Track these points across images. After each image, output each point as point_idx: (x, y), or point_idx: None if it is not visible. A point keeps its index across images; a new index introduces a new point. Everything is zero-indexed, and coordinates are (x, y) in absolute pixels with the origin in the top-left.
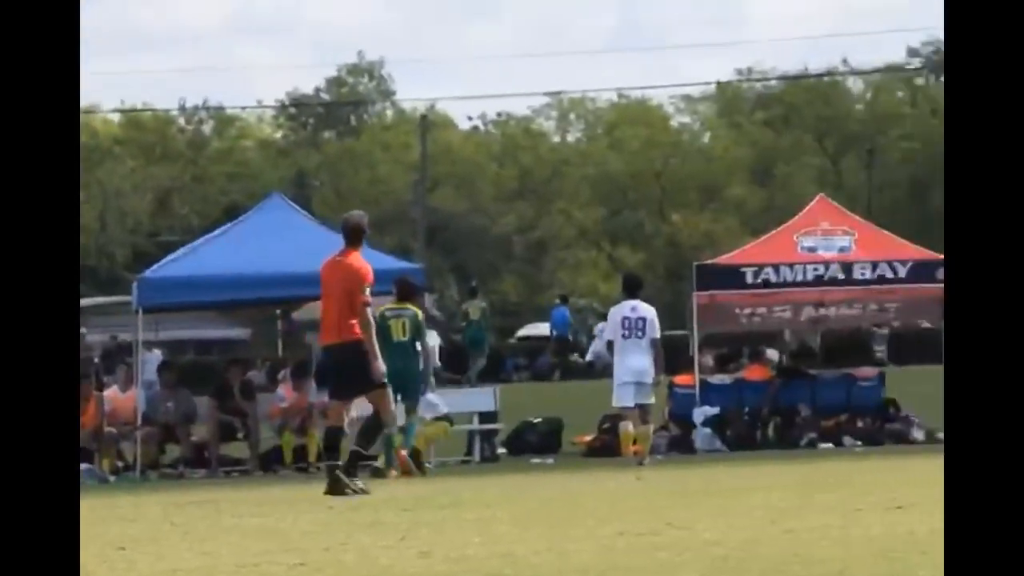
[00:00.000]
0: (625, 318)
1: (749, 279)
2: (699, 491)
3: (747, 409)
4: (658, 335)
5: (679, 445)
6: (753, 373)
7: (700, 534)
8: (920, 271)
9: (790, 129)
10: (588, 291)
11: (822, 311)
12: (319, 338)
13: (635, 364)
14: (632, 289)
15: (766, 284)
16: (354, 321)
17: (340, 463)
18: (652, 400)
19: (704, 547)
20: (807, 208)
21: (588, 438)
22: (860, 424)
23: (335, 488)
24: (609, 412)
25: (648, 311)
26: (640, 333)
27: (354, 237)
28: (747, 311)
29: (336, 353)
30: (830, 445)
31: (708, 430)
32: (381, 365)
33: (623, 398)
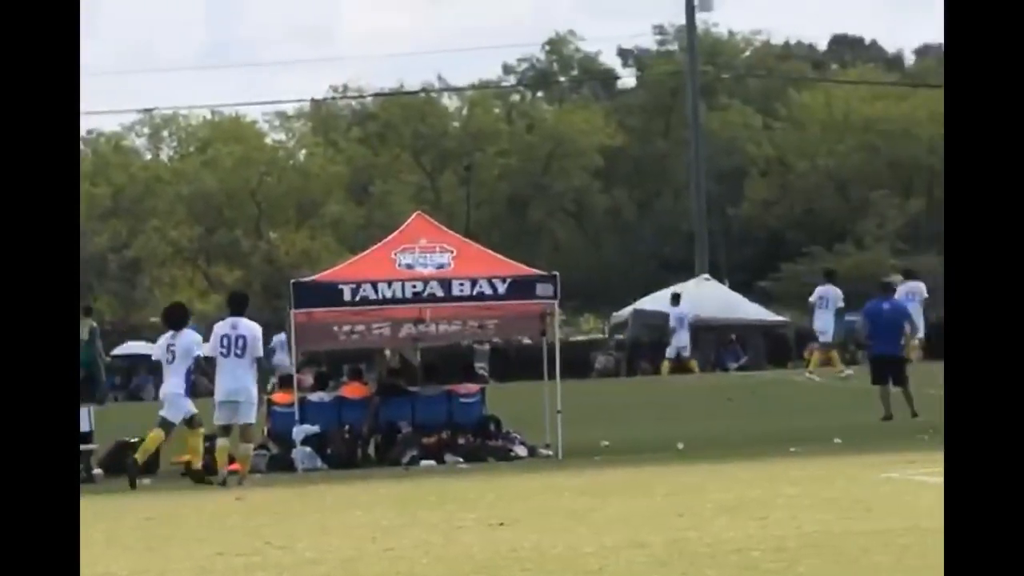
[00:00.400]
0: (224, 336)
1: (347, 296)
2: (300, 510)
3: (347, 427)
4: (260, 354)
5: (279, 464)
6: (353, 391)
7: (301, 553)
8: (519, 287)
9: (387, 146)
10: None
11: (422, 328)
12: None
13: (235, 383)
14: (236, 307)
15: (364, 301)
16: None
17: None
18: (252, 419)
19: (304, 566)
20: (405, 225)
21: (187, 457)
22: (462, 441)
23: None
24: (209, 432)
25: (250, 329)
26: (240, 351)
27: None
28: (346, 328)
29: None
30: (432, 462)
31: (308, 448)
32: None
33: (221, 416)
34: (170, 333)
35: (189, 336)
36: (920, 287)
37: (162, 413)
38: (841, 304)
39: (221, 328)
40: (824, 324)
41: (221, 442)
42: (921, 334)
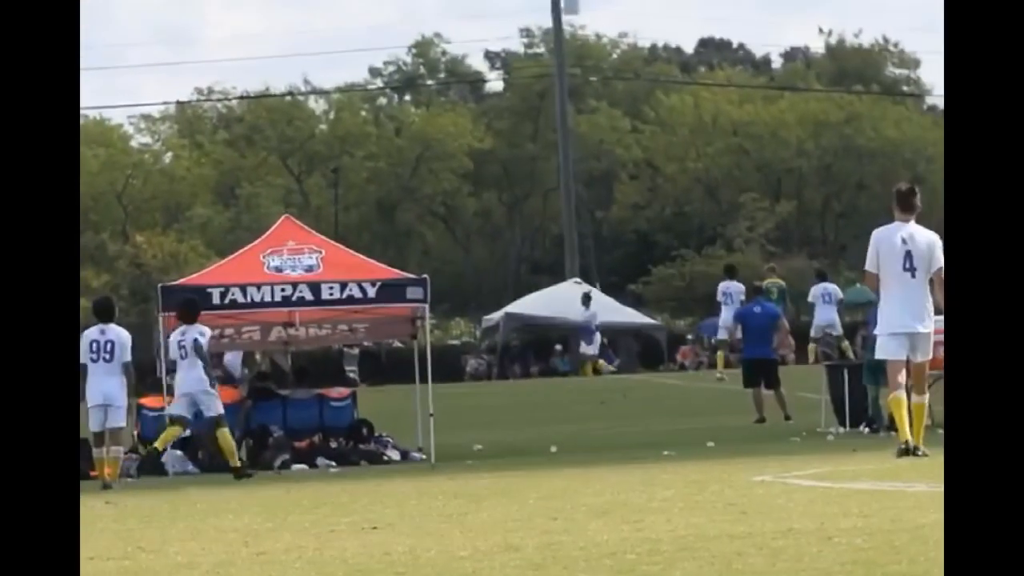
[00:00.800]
0: (94, 341)
1: (216, 300)
2: (170, 514)
3: None
4: (129, 358)
5: (149, 467)
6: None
7: (172, 557)
8: (389, 291)
9: (254, 149)
10: None
11: (291, 331)
12: None
13: (104, 388)
14: (103, 314)
15: (233, 305)
16: None
17: None
18: (123, 424)
19: (176, 570)
20: (273, 228)
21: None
22: (333, 445)
23: None
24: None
25: (118, 335)
26: (108, 356)
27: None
28: (215, 332)
29: None
30: (304, 466)
31: (179, 452)
32: None
33: (94, 423)
34: (99, 328)
35: (123, 332)
36: (834, 288)
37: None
38: (841, 297)
39: (90, 334)
40: (829, 318)
41: (97, 452)
42: (839, 332)
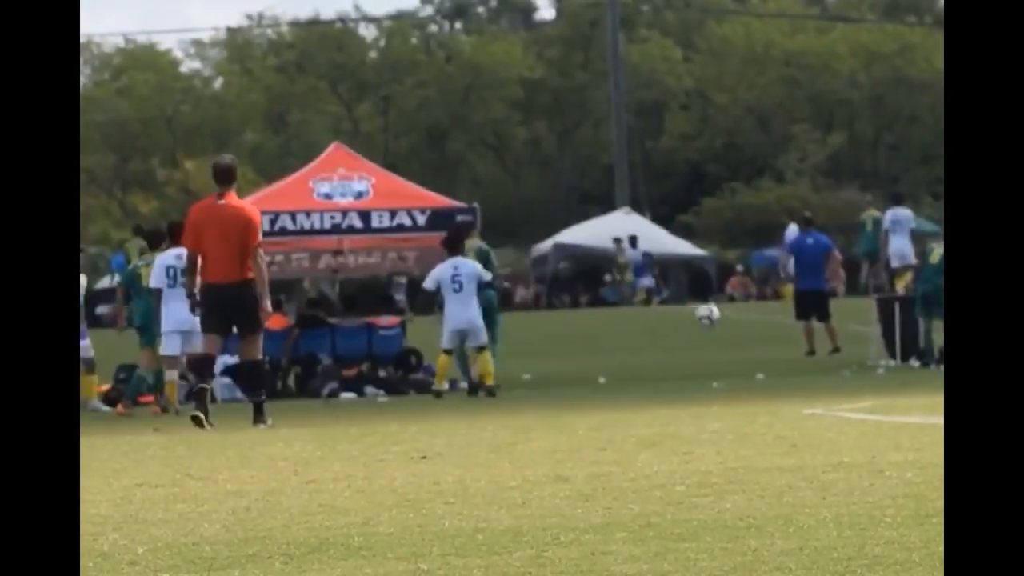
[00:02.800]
0: (170, 267)
1: (265, 226)
2: (220, 442)
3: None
4: None
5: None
6: (272, 322)
7: (222, 485)
8: (438, 219)
9: (304, 76)
10: (100, 239)
11: (340, 259)
12: (204, 275)
13: (181, 314)
14: (178, 239)
15: (283, 232)
16: (248, 263)
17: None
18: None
19: (225, 498)
20: (323, 155)
21: (105, 388)
22: (382, 373)
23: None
24: (125, 362)
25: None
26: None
27: (232, 180)
28: (265, 259)
29: (227, 291)
30: (352, 395)
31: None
32: (268, 307)
33: (171, 347)
34: (176, 253)
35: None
36: (908, 214)
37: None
38: (913, 225)
39: (166, 259)
40: (902, 246)
41: (170, 376)
42: (912, 261)
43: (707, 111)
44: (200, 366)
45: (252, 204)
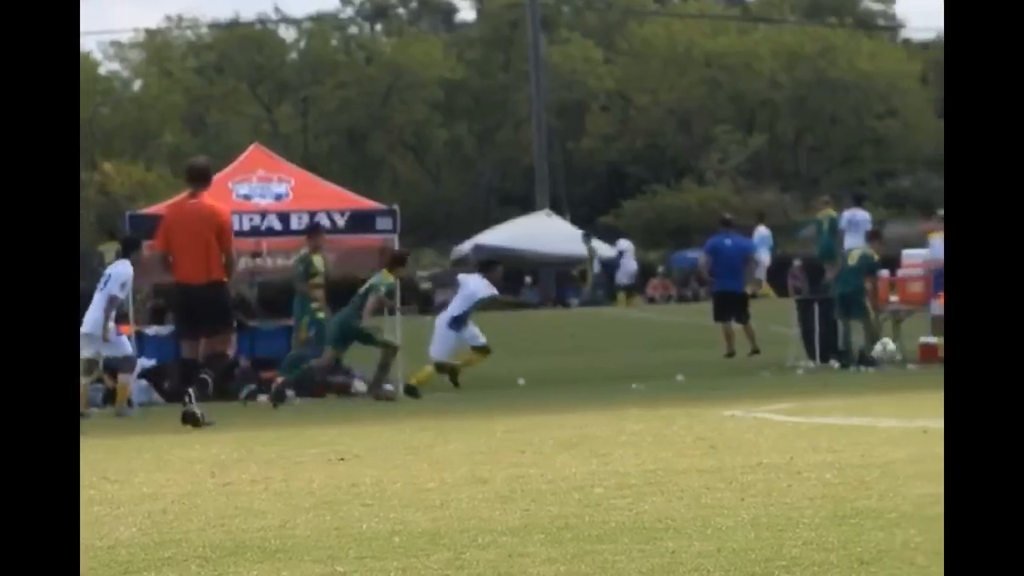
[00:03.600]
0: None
1: None
2: (137, 445)
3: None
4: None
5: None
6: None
7: (138, 488)
8: (358, 221)
9: (223, 77)
10: None
11: (259, 261)
12: (175, 275)
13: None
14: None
15: None
16: (217, 263)
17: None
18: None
19: (141, 501)
20: (242, 157)
21: None
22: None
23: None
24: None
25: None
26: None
27: (206, 181)
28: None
29: (195, 291)
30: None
31: (144, 382)
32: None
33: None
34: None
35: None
36: (865, 216)
37: None
38: (869, 227)
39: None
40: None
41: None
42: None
43: (628, 112)
44: (186, 371)
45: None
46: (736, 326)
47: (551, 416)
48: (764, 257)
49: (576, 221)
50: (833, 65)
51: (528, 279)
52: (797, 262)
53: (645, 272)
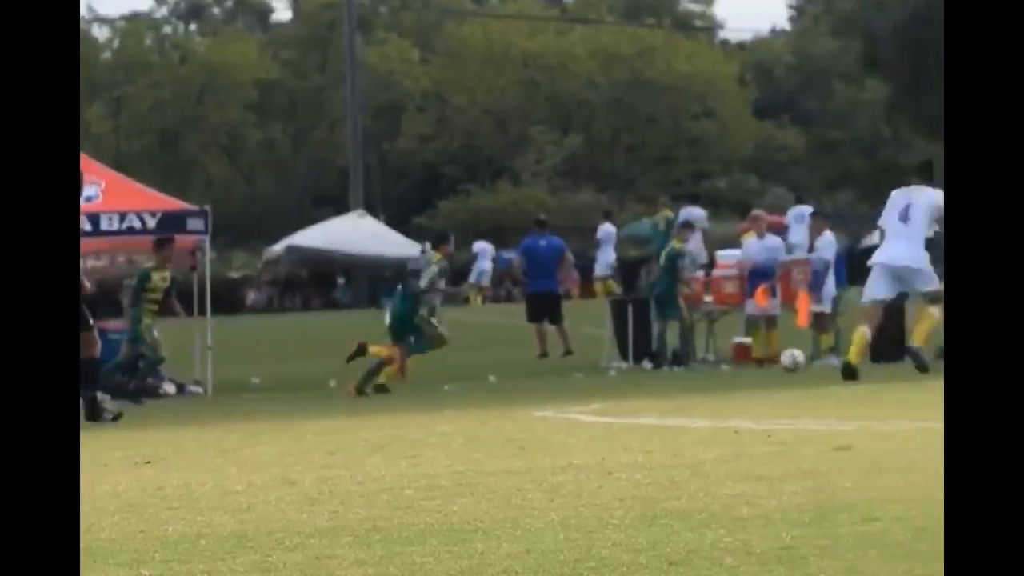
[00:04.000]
0: None
1: None
2: None
3: None
4: None
5: None
6: None
7: None
8: (169, 222)
9: None
10: None
11: None
12: None
13: None
14: None
15: None
16: None
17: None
18: None
19: None
20: None
21: None
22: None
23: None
24: None
25: None
26: None
27: None
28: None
29: None
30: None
31: None
32: None
33: None
34: None
35: None
36: (702, 214)
37: None
38: (706, 225)
39: None
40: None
41: None
42: (703, 260)
43: (444, 112)
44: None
45: None
46: (549, 327)
47: (361, 418)
48: (609, 255)
49: (391, 222)
50: (650, 66)
51: (341, 280)
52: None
53: (459, 273)
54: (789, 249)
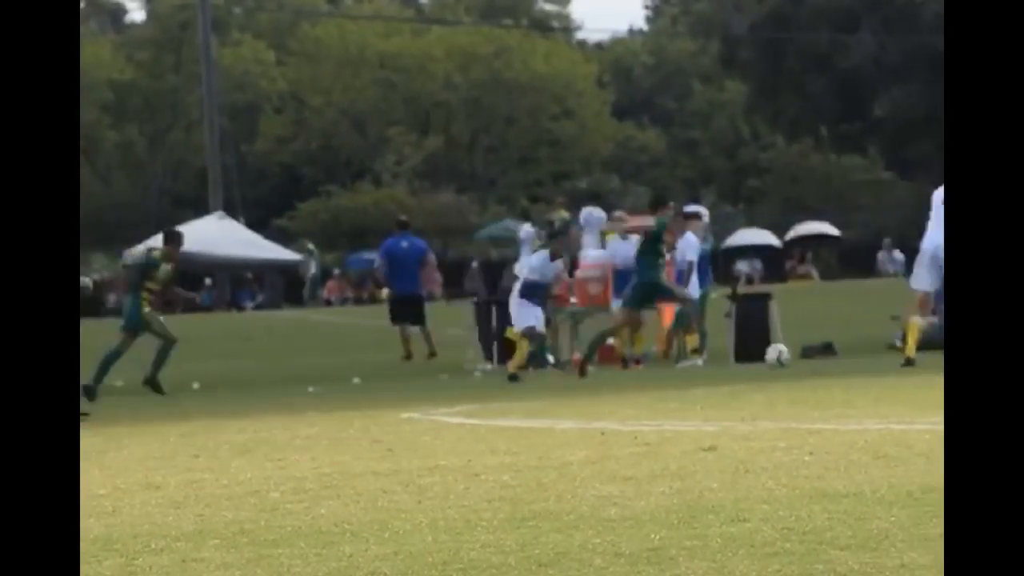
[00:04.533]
0: None
1: None
2: None
3: None
4: None
5: None
6: None
7: None
8: None
9: None
10: None
11: None
12: None
13: None
14: None
15: None
16: None
17: None
18: None
19: None
20: None
21: None
22: None
23: None
24: None
25: None
26: None
27: None
28: None
29: None
30: None
31: None
32: None
33: None
34: None
35: None
36: (601, 216)
37: None
38: (604, 226)
39: None
40: (593, 246)
41: None
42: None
43: (302, 114)
44: None
45: None
46: (413, 329)
47: (226, 420)
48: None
49: (251, 224)
50: (508, 66)
51: (208, 281)
52: (475, 264)
53: (321, 274)
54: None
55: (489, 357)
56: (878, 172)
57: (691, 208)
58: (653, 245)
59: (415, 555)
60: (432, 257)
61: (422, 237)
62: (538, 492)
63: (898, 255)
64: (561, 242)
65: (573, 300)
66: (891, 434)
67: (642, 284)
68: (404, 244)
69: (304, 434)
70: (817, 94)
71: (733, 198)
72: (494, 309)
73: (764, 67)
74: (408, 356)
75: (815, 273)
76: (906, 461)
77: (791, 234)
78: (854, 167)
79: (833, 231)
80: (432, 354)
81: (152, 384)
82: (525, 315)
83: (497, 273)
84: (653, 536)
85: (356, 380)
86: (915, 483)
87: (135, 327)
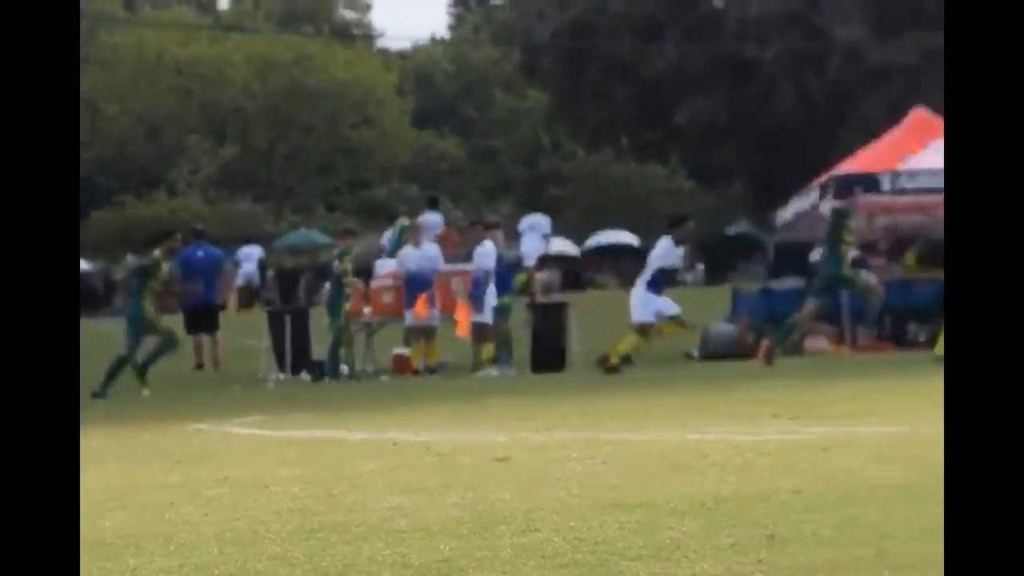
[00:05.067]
0: None
1: None
2: None
3: None
4: None
5: None
6: None
7: None
8: None
9: None
10: None
11: None
12: None
13: None
14: None
15: None
16: None
17: None
18: None
19: None
20: None
21: None
22: None
23: None
24: None
25: None
26: None
27: None
28: None
29: None
30: None
31: None
32: None
33: None
34: None
35: None
36: (543, 222)
37: None
38: (546, 231)
39: None
40: (534, 249)
41: None
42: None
43: (96, 121)
44: None
45: None
46: (206, 338)
47: None
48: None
49: None
50: (308, 74)
51: None
52: (270, 273)
53: (113, 285)
54: (520, 259)
55: (282, 367)
56: (679, 181)
57: (493, 217)
58: (837, 233)
59: (200, 567)
60: (228, 266)
61: (218, 246)
62: (328, 503)
63: (698, 265)
64: (414, 236)
65: (367, 309)
66: (686, 444)
67: (829, 275)
68: (200, 253)
69: (90, 446)
70: (619, 102)
71: (532, 207)
72: (287, 319)
73: (566, 75)
74: (200, 365)
75: (613, 282)
76: (701, 471)
77: (590, 243)
78: (655, 176)
79: (633, 240)
80: (216, 364)
81: (140, 372)
82: None
83: (293, 282)
84: (443, 547)
85: (145, 392)
86: (708, 493)
87: (140, 330)
